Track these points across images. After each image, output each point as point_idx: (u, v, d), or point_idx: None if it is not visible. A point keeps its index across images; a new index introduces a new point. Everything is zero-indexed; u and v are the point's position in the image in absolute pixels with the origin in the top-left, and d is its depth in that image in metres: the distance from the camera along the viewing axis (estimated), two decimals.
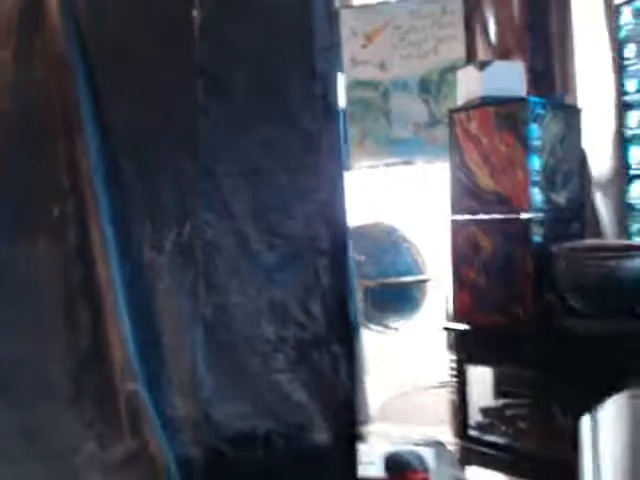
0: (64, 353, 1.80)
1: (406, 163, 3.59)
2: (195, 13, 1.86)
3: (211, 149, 1.86)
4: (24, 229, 1.83)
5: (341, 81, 3.10)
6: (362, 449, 1.91)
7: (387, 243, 3.51)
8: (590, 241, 2.79)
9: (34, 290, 1.81)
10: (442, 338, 3.25)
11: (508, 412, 2.91)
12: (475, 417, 2.89)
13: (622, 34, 2.83)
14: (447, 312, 3.23)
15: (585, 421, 1.54)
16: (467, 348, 2.86)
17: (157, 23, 1.89)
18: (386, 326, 3.50)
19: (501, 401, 2.97)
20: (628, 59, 2.80)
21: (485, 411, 2.93)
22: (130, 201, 1.86)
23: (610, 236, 3.00)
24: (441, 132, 3.25)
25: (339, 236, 1.88)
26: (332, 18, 1.90)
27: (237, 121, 1.87)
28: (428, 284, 3.51)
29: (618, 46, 2.84)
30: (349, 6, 3.54)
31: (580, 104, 3.08)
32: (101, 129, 1.83)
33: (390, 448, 2.52)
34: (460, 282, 2.87)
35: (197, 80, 1.86)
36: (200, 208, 1.83)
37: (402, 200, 3.70)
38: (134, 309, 1.81)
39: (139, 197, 1.85)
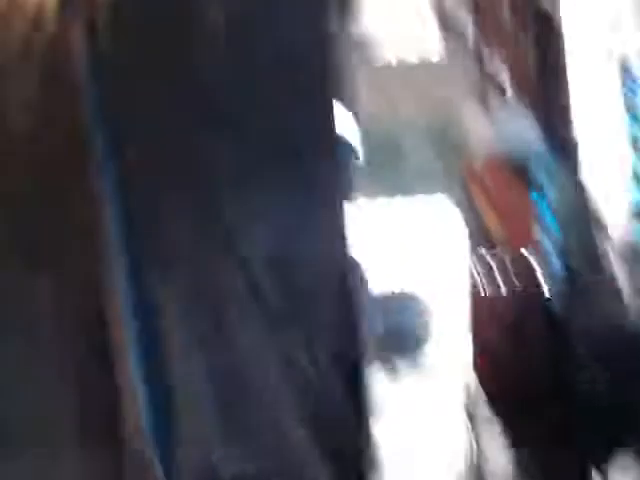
0: (77, 418, 1.75)
1: (416, 211, 3.59)
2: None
3: (223, 191, 1.84)
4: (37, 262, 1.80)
5: (353, 124, 3.10)
6: None
7: (400, 307, 3.50)
8: (610, 310, 2.74)
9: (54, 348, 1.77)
10: (458, 401, 3.18)
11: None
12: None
13: None
14: (464, 379, 3.16)
15: None
16: (483, 412, 2.80)
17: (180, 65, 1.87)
18: (392, 368, 3.46)
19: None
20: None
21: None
22: (141, 238, 1.82)
23: (630, 304, 2.92)
24: (451, 180, 3.25)
25: (349, 285, 1.85)
26: (346, 63, 1.91)
27: (248, 163, 1.85)
28: (447, 347, 3.45)
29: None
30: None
31: (592, 151, 3.06)
32: (117, 174, 1.82)
33: None
34: (478, 347, 2.82)
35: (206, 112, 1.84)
36: (210, 251, 1.80)
37: (420, 262, 3.68)
38: (145, 357, 1.76)
39: (150, 234, 1.81)
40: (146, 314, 1.76)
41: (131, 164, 1.80)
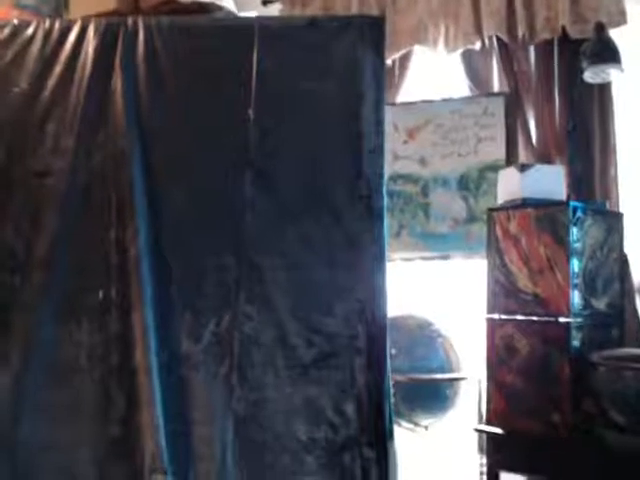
0: (95, 439, 1.79)
1: (442, 258, 3.59)
2: (250, 112, 1.94)
3: (255, 242, 1.89)
4: (69, 310, 1.87)
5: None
6: None
7: (420, 337, 3.45)
8: (631, 350, 2.72)
9: (72, 373, 1.82)
10: (474, 440, 3.14)
11: None
12: None
13: None
14: (480, 413, 3.13)
15: None
16: (500, 453, 2.75)
17: (213, 118, 1.97)
18: (416, 424, 3.40)
19: None
20: None
21: None
22: (172, 288, 1.89)
23: None
24: (478, 229, 3.26)
25: (377, 336, 1.87)
26: (381, 123, 1.96)
27: (282, 216, 1.92)
28: (461, 382, 3.43)
29: None
30: (392, 103, 3.65)
31: (622, 210, 3.08)
32: (150, 218, 1.88)
33: None
34: (495, 383, 2.80)
35: (246, 173, 1.92)
36: (240, 300, 1.85)
37: (437, 294, 3.68)
38: (167, 398, 1.80)
39: (181, 286, 1.88)
40: (171, 358, 1.80)
41: (167, 216, 1.87)
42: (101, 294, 1.85)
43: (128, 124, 1.89)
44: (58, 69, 1.99)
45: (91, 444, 1.79)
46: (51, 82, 1.98)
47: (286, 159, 1.92)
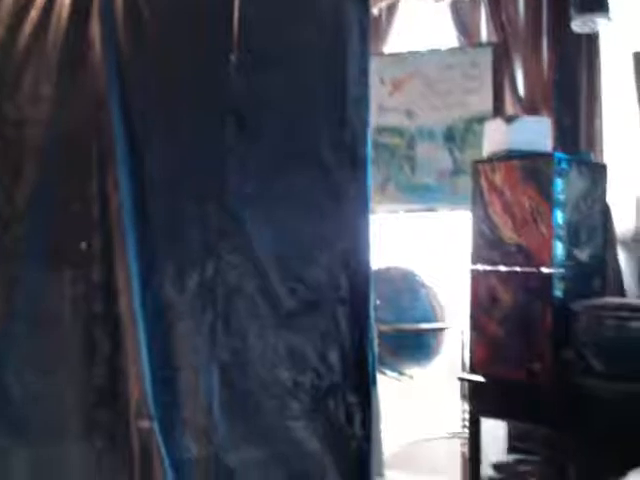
0: (80, 387, 1.80)
1: (427, 210, 3.60)
2: (232, 57, 1.90)
3: (238, 191, 1.88)
4: (52, 261, 1.86)
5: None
6: None
7: (405, 288, 3.49)
8: (611, 299, 2.76)
9: (57, 322, 1.83)
10: (457, 388, 3.21)
11: (520, 468, 2.85)
12: (487, 471, 2.84)
13: None
14: (463, 362, 3.19)
15: None
16: (482, 400, 2.82)
17: (195, 65, 1.93)
18: (400, 372, 3.46)
19: (514, 456, 2.92)
20: None
21: (497, 466, 2.88)
22: (155, 238, 1.88)
23: (632, 295, 2.96)
24: (464, 181, 3.25)
25: (361, 285, 1.89)
26: (365, 71, 1.93)
27: (264, 165, 1.90)
28: (445, 332, 3.48)
29: None
30: (378, 54, 3.60)
31: (606, 161, 3.08)
32: (132, 167, 1.87)
33: None
34: (478, 333, 2.85)
35: (228, 122, 1.90)
36: (224, 249, 1.85)
37: (422, 246, 3.70)
38: (152, 346, 1.81)
39: (164, 235, 1.87)
40: (155, 307, 1.81)
41: (148, 164, 1.85)
42: (84, 244, 1.84)
43: (107, 72, 1.85)
44: (34, 14, 1.94)
45: (77, 392, 1.81)
46: (27, 28, 1.93)
47: (269, 107, 1.90)
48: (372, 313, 1.96)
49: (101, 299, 1.84)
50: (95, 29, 1.88)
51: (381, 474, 2.02)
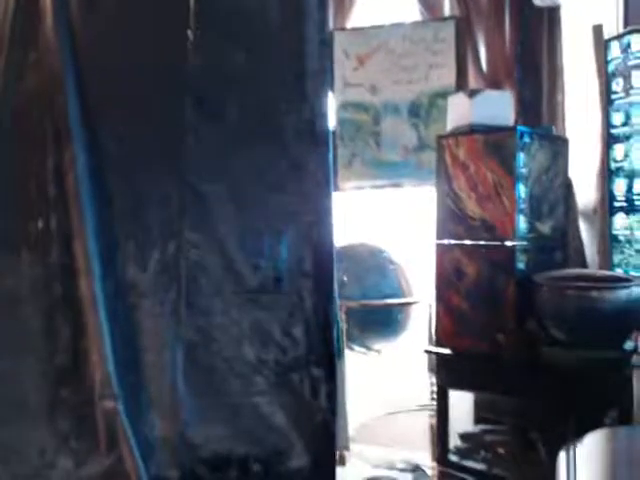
0: (42, 368, 1.78)
1: (393, 186, 3.61)
2: (189, 33, 1.87)
3: (198, 169, 1.86)
4: (7, 242, 1.82)
5: (331, 102, 3.11)
6: (341, 473, 1.90)
7: (372, 264, 3.51)
8: (573, 270, 2.82)
9: (15, 304, 1.79)
10: (424, 361, 3.26)
11: (488, 438, 2.91)
12: (455, 442, 2.89)
13: (610, 68, 2.88)
14: (430, 335, 3.23)
15: (563, 453, 1.54)
16: (448, 372, 2.86)
17: (151, 40, 1.89)
18: (368, 348, 3.49)
19: (481, 427, 2.97)
20: (615, 93, 2.85)
21: (465, 436, 2.93)
22: (115, 217, 1.85)
23: (593, 266, 3.02)
24: (429, 156, 3.27)
25: (325, 259, 1.88)
26: (324, 42, 1.91)
27: (225, 142, 1.88)
28: (412, 307, 3.52)
29: (606, 80, 2.88)
30: (342, 28, 3.57)
31: (567, 135, 3.12)
32: (88, 144, 1.83)
33: (370, 473, 2.51)
34: (443, 306, 2.89)
35: (186, 98, 1.87)
36: (185, 228, 1.83)
37: (388, 222, 3.72)
38: (115, 326, 1.80)
39: (124, 214, 1.84)
40: (117, 286, 1.79)
41: (106, 142, 1.81)
42: (40, 223, 1.80)
43: (61, 45, 1.80)
44: None
45: (39, 374, 1.79)
46: None
47: (227, 82, 1.87)
48: (336, 287, 1.96)
49: (61, 280, 1.80)
50: (46, 1, 1.82)
51: (347, 447, 2.04)
